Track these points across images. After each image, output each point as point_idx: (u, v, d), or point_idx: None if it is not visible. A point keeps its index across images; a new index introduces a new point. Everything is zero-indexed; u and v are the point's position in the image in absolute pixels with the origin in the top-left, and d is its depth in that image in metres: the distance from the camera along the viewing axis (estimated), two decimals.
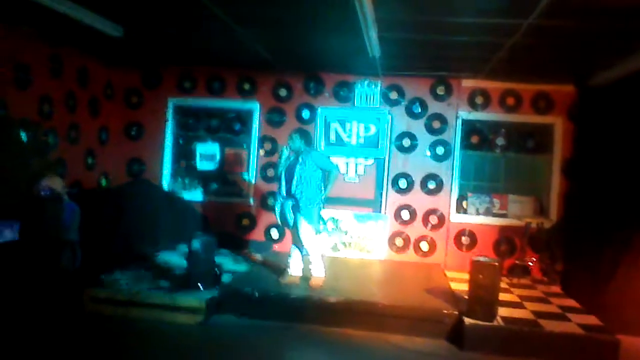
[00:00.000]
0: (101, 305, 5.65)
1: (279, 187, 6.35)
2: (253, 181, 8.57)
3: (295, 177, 6.15)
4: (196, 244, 5.82)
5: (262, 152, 8.54)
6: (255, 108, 8.56)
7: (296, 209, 6.18)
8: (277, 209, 6.42)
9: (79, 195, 6.67)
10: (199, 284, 5.78)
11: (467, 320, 5.43)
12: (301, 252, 6.43)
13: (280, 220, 6.50)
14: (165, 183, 8.74)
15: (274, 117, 8.53)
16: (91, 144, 8.02)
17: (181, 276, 6.11)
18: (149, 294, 5.70)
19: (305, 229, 6.18)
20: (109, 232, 6.54)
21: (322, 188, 6.30)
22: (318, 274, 6.34)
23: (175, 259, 7.19)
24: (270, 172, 8.43)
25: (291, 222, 6.32)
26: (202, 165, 8.76)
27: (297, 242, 6.39)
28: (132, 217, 7.00)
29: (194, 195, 8.66)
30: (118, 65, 8.44)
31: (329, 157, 6.67)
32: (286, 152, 6.28)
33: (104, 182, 8.29)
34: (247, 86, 8.57)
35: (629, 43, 5.67)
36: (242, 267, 7.11)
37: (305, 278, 6.40)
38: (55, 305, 5.20)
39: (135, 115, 8.78)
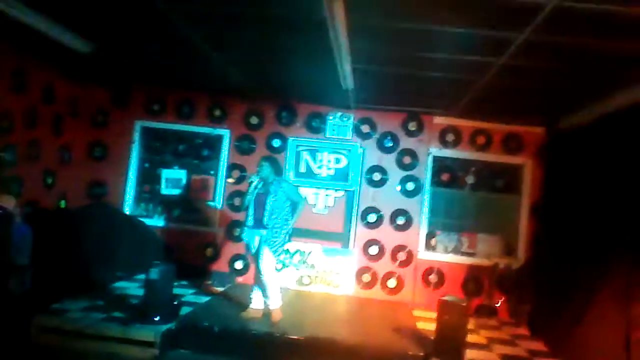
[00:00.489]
0: (50, 336, 5.27)
1: (247, 217, 6.14)
2: (219, 209, 8.34)
3: (266, 207, 5.95)
4: (154, 273, 5.53)
5: (231, 180, 8.33)
6: (225, 135, 8.39)
7: (262, 239, 5.97)
8: (244, 239, 6.19)
9: (33, 216, 6.36)
10: (155, 316, 5.46)
11: None
12: (258, 282, 6.18)
13: (248, 252, 6.28)
14: (127, 207, 8.43)
15: (244, 145, 8.37)
16: (52, 163, 7.68)
17: (137, 307, 5.80)
18: (102, 325, 5.37)
19: (267, 259, 5.97)
20: (64, 256, 6.20)
21: (289, 219, 6.13)
22: (275, 306, 6.10)
23: (132, 288, 6.88)
24: (237, 201, 8.20)
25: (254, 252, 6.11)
26: (168, 190, 8.49)
27: (257, 273, 6.16)
28: (90, 241, 6.69)
29: (157, 221, 8.38)
30: (86, 82, 8.19)
31: (297, 188, 6.51)
32: (255, 180, 6.09)
33: (62, 203, 7.93)
34: (217, 112, 8.42)
35: (599, 87, 5.75)
36: (203, 299, 6.82)
37: (268, 313, 6.14)
38: (0, 332, 4.84)
39: (100, 135, 8.51)
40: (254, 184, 6.08)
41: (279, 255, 6.08)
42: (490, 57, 5.08)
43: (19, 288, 5.30)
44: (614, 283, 6.07)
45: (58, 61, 7.11)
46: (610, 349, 5.89)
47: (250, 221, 6.08)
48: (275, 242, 5.95)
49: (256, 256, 6.08)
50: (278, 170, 6.33)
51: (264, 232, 5.97)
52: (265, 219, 5.95)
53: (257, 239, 6.06)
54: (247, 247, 6.23)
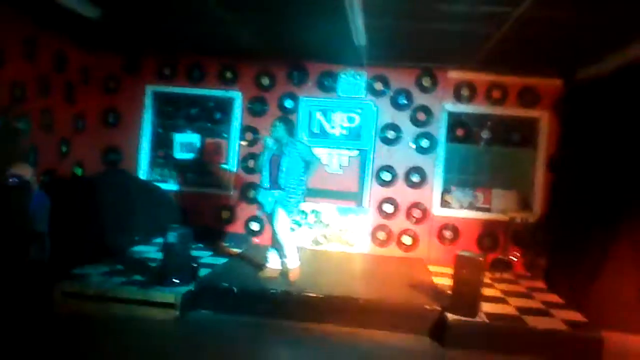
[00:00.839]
0: (72, 300, 5.38)
1: (262, 178, 6.15)
2: (233, 172, 8.36)
3: (281, 169, 5.94)
4: (172, 236, 5.59)
5: (243, 142, 8.32)
6: (236, 97, 8.35)
7: (277, 199, 5.99)
8: (260, 200, 6.22)
9: (50, 184, 6.43)
10: (175, 279, 5.56)
11: (450, 316, 5.31)
12: (275, 243, 6.23)
13: (263, 211, 6.31)
14: (142, 173, 8.49)
15: (256, 107, 8.32)
16: (66, 131, 7.73)
17: (156, 270, 5.90)
18: (122, 288, 5.48)
19: (281, 219, 6.00)
20: (82, 223, 6.29)
21: (304, 180, 6.13)
22: (293, 265, 6.16)
23: (150, 252, 7.00)
24: (252, 163, 8.22)
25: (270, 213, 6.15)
26: (181, 155, 8.53)
27: (273, 234, 6.21)
28: (107, 208, 6.77)
29: (172, 185, 8.44)
30: (96, 49, 8.15)
31: (311, 149, 6.49)
32: (269, 142, 6.07)
33: (78, 171, 8.01)
34: (228, 75, 8.35)
35: (617, 38, 5.61)
36: (220, 261, 6.91)
37: (285, 272, 6.22)
38: (23, 299, 4.95)
39: (113, 102, 8.51)
40: (268, 145, 6.06)
41: (293, 215, 6.09)
42: (507, 7, 4.94)
43: (39, 255, 5.38)
44: (630, 236, 6.04)
45: (68, 29, 7.06)
46: (625, 301, 5.92)
47: (265, 182, 6.09)
48: (290, 202, 5.97)
49: (271, 217, 6.11)
50: (292, 130, 6.28)
51: (278, 192, 5.99)
52: (281, 180, 5.96)
53: (271, 200, 6.08)
54: (263, 208, 6.25)
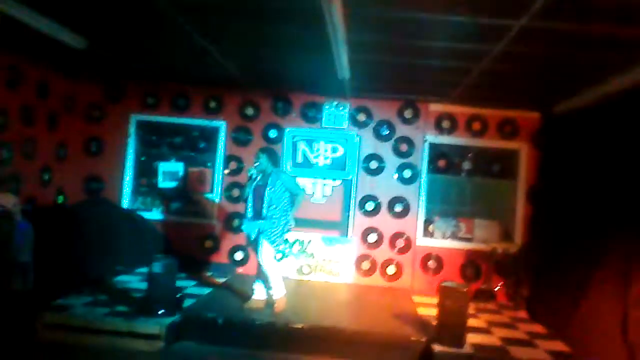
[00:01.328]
0: (55, 332, 5.30)
1: (246, 208, 6.16)
2: (217, 201, 8.35)
3: (264, 199, 5.97)
4: (157, 266, 5.55)
5: (226, 171, 8.34)
6: (221, 126, 8.39)
7: (260, 229, 6.00)
8: (245, 230, 6.22)
9: (32, 213, 6.33)
10: (159, 309, 5.49)
11: (436, 347, 5.33)
12: (259, 273, 6.22)
13: (248, 243, 6.31)
14: (125, 202, 8.42)
15: (240, 136, 8.37)
16: (48, 159, 7.67)
17: (140, 300, 5.83)
18: (106, 319, 5.40)
19: (265, 250, 6.00)
20: (64, 253, 6.19)
21: (289, 210, 6.15)
22: (278, 295, 6.15)
23: (133, 281, 6.91)
24: (235, 192, 8.25)
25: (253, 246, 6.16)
26: (165, 183, 8.49)
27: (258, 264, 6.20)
28: (89, 237, 6.69)
29: (155, 215, 8.38)
30: (80, 78, 8.15)
31: (296, 179, 6.52)
32: (254, 172, 6.10)
33: (60, 199, 7.92)
34: (213, 104, 8.40)
35: (593, 73, 5.79)
36: (205, 291, 6.85)
37: (271, 303, 6.19)
38: (5, 330, 4.85)
39: (96, 130, 8.48)
40: (252, 176, 6.10)
41: (277, 245, 6.09)
42: (487, 44, 5.09)
43: (22, 286, 5.31)
44: (612, 265, 6.15)
45: (52, 58, 7.07)
46: (609, 330, 5.98)
47: (249, 213, 6.11)
48: (273, 232, 5.97)
49: (255, 247, 6.11)
50: (275, 161, 6.33)
51: (262, 223, 6.00)
52: (264, 211, 5.97)
53: (256, 230, 6.08)
54: (248, 239, 6.25)
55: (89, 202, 7.99)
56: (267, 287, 6.16)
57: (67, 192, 8.08)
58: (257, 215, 6.04)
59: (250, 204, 6.11)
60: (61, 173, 7.97)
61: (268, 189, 5.98)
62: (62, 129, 7.95)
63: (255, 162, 6.17)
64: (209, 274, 7.88)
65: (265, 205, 5.97)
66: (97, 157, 8.48)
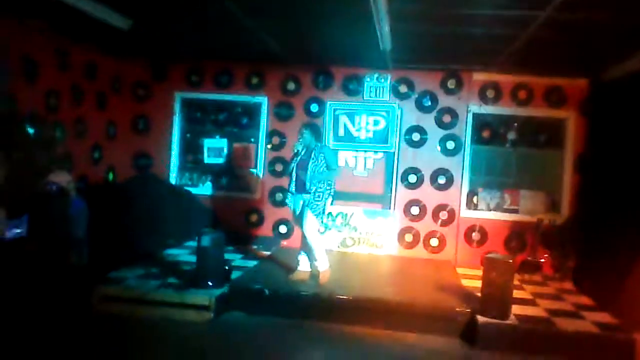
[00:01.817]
0: (109, 304, 5.57)
1: (290, 183, 6.26)
2: (261, 176, 8.49)
3: (308, 172, 6.05)
4: (205, 240, 5.73)
5: (269, 146, 8.45)
6: (263, 102, 8.47)
7: (305, 202, 6.11)
8: (289, 204, 6.36)
9: (85, 190, 6.61)
10: (209, 281, 5.69)
11: (481, 318, 5.35)
12: (304, 246, 6.33)
13: (293, 215, 6.43)
14: (173, 178, 8.67)
15: (282, 111, 8.44)
16: (98, 138, 7.94)
17: (190, 273, 6.05)
18: (158, 291, 5.63)
19: (310, 223, 6.11)
20: (116, 228, 6.46)
21: (331, 183, 6.22)
22: (323, 268, 6.27)
23: (182, 255, 7.15)
24: (279, 167, 8.37)
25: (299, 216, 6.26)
26: (210, 159, 8.68)
27: (303, 237, 6.31)
28: (140, 212, 6.95)
29: (202, 190, 8.59)
30: (125, 58, 8.36)
31: (336, 156, 6.51)
32: (299, 147, 6.18)
33: (110, 176, 8.22)
34: (255, 80, 8.48)
35: None
36: (251, 263, 7.03)
37: (315, 274, 6.31)
38: (63, 303, 5.12)
39: (143, 109, 8.71)
40: (297, 151, 6.17)
41: (321, 218, 6.20)
42: (532, 10, 4.96)
43: (78, 260, 5.57)
44: None
45: (98, 39, 7.25)
46: None
47: (293, 187, 6.21)
48: (317, 205, 6.07)
49: (300, 220, 6.22)
50: (319, 135, 6.40)
51: (306, 196, 6.09)
52: (307, 184, 6.06)
53: (301, 204, 6.19)
54: (293, 212, 6.37)
55: (138, 179, 8.26)
56: (312, 259, 6.28)
57: (117, 170, 8.38)
58: (301, 188, 6.14)
59: (293, 178, 6.21)
60: (111, 151, 8.25)
61: (311, 162, 6.06)
62: (110, 108, 8.20)
63: (299, 137, 6.24)
64: (255, 247, 8.07)
65: (308, 178, 6.06)
66: (145, 134, 8.72)
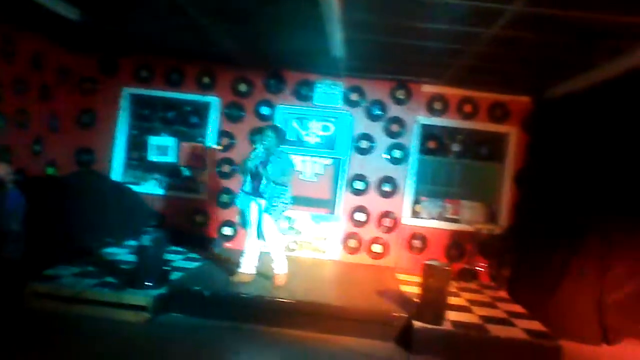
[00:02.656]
0: (43, 301, 5.37)
1: (244, 183, 6.21)
2: (208, 176, 8.42)
3: (265, 176, 6.02)
4: (146, 239, 5.64)
5: (219, 147, 8.40)
6: (213, 102, 8.41)
7: (262, 206, 6.08)
8: (239, 205, 6.28)
9: (23, 183, 6.39)
10: (147, 281, 5.60)
11: (416, 323, 5.47)
12: (251, 248, 6.32)
13: (241, 217, 6.37)
14: (116, 174, 8.48)
15: (233, 112, 8.40)
16: (40, 130, 7.69)
17: (129, 272, 5.93)
18: (95, 290, 5.49)
19: (269, 226, 6.10)
20: (54, 223, 6.27)
21: (287, 187, 6.22)
22: (281, 271, 6.28)
23: (122, 254, 7.00)
24: (226, 168, 8.33)
25: (248, 220, 6.22)
26: (156, 157, 8.54)
27: (256, 240, 6.27)
28: (79, 208, 6.75)
29: (146, 188, 8.45)
30: (74, 50, 8.14)
31: (291, 165, 6.47)
32: (260, 148, 6.06)
33: (50, 170, 7.97)
34: (206, 79, 8.41)
35: (584, 59, 5.86)
36: (192, 264, 6.96)
37: (262, 276, 6.33)
38: None
39: (89, 103, 8.49)
40: (257, 151, 6.10)
41: (279, 221, 6.22)
42: (481, 27, 5.15)
43: (14, 254, 5.39)
44: (591, 250, 6.32)
45: (46, 29, 7.05)
46: (585, 312, 6.18)
47: (247, 187, 6.16)
48: (275, 209, 6.05)
49: (257, 224, 6.17)
50: (282, 139, 6.34)
51: (262, 200, 6.07)
52: (262, 187, 6.05)
53: (253, 206, 6.16)
54: (241, 213, 6.31)
55: (80, 174, 8.03)
56: (268, 259, 6.29)
57: (58, 164, 8.12)
58: (255, 191, 6.11)
59: (249, 179, 6.16)
60: (53, 144, 8.00)
61: (270, 166, 6.01)
62: (55, 100, 7.95)
63: (262, 138, 6.14)
64: (196, 247, 7.98)
65: (265, 182, 6.03)
66: (89, 129, 8.50)
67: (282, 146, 6.35)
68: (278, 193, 6.07)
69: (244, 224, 6.36)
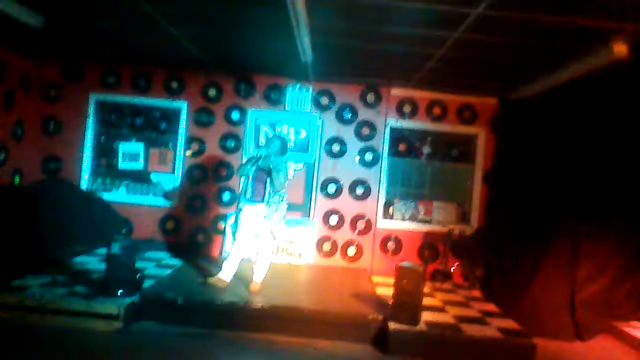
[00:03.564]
0: (11, 312, 5.25)
1: (245, 189, 6.21)
2: (178, 183, 8.32)
3: (267, 184, 6.07)
4: (116, 247, 5.54)
5: (188, 152, 8.31)
6: (182, 107, 8.32)
7: (263, 215, 6.10)
8: (243, 210, 6.22)
9: None
10: (118, 290, 5.49)
11: (392, 325, 5.49)
12: (234, 255, 6.28)
13: (236, 223, 6.31)
14: (84, 182, 8.31)
15: (202, 118, 8.33)
16: (4, 139, 7.49)
17: (99, 281, 5.80)
18: (63, 300, 5.36)
19: (267, 234, 6.16)
20: (21, 233, 6.11)
21: (285, 195, 6.27)
22: (259, 279, 6.28)
23: (93, 262, 6.86)
24: (197, 174, 8.24)
25: (239, 225, 6.21)
26: (125, 164, 8.40)
27: (243, 247, 6.26)
28: (47, 217, 6.60)
29: (115, 196, 8.29)
30: (37, 56, 7.96)
31: (287, 174, 6.46)
32: (262, 153, 6.14)
33: (16, 179, 7.76)
34: (174, 85, 8.32)
35: (548, 61, 5.99)
36: (164, 272, 6.85)
37: (238, 282, 6.29)
38: None
39: (54, 110, 8.31)
40: (257, 157, 6.11)
41: (275, 228, 6.22)
42: (446, 31, 5.21)
43: None
44: (561, 248, 6.45)
45: (8, 35, 6.86)
46: (557, 309, 6.31)
47: (248, 193, 6.17)
48: (273, 217, 6.11)
49: (251, 230, 6.19)
50: (285, 151, 6.37)
51: (263, 207, 6.10)
52: (266, 196, 6.09)
53: (250, 211, 6.15)
54: (241, 217, 6.22)
55: (47, 183, 7.86)
56: (250, 266, 6.33)
57: (24, 172, 7.93)
58: (256, 197, 6.13)
59: (250, 185, 6.16)
60: (18, 153, 7.81)
61: (273, 175, 6.04)
62: (19, 108, 7.76)
63: (267, 145, 6.23)
64: (168, 255, 7.87)
65: (266, 190, 6.09)
66: (56, 136, 8.32)
67: (284, 155, 6.40)
68: (277, 200, 6.12)
69: (235, 229, 6.33)
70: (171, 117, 8.41)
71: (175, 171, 8.34)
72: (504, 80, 7.26)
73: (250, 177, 6.17)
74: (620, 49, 4.99)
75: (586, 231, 6.43)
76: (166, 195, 8.33)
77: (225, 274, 6.27)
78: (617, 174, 6.42)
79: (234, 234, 6.40)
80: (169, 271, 6.92)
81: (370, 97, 8.28)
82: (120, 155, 8.39)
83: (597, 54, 5.33)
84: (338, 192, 8.31)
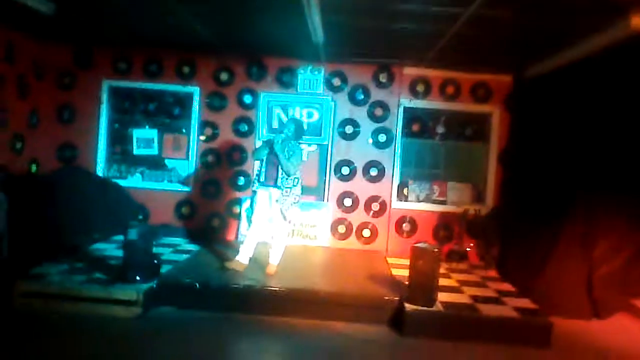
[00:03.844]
0: (32, 300, 5.33)
1: (259, 172, 6.23)
2: (193, 168, 8.35)
3: (283, 167, 6.05)
4: (133, 233, 5.59)
5: (202, 137, 8.33)
6: (195, 92, 8.31)
7: (277, 199, 6.12)
8: (258, 194, 6.25)
9: (5, 182, 6.28)
10: (136, 276, 5.56)
11: (408, 306, 5.50)
12: (251, 238, 6.32)
13: (251, 207, 6.35)
14: (100, 169, 8.37)
15: (215, 102, 8.32)
16: (20, 128, 7.55)
17: (117, 268, 5.88)
18: (83, 286, 5.44)
19: (280, 218, 6.18)
20: (39, 221, 6.18)
21: (299, 180, 6.27)
22: (275, 262, 6.31)
23: (110, 249, 6.94)
24: (211, 158, 8.27)
25: (255, 209, 6.24)
26: (139, 150, 8.44)
27: (259, 230, 6.30)
28: (64, 205, 6.66)
29: (131, 182, 8.35)
30: (49, 43, 7.97)
31: (301, 159, 6.47)
32: (279, 138, 6.11)
33: (33, 168, 7.85)
34: (186, 69, 8.30)
35: (562, 37, 5.88)
36: (182, 257, 6.91)
37: (254, 266, 6.32)
38: None
39: (68, 97, 8.34)
40: (272, 141, 6.11)
41: (289, 212, 6.23)
42: (459, 7, 5.12)
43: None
44: (577, 226, 6.39)
45: (20, 22, 6.88)
46: (574, 287, 6.27)
47: (262, 177, 6.19)
48: (287, 201, 6.12)
49: (266, 213, 6.23)
50: (301, 134, 6.40)
51: (276, 191, 6.11)
52: (280, 180, 6.10)
53: (264, 195, 6.19)
54: (256, 202, 6.27)
55: (63, 171, 7.93)
56: (267, 249, 6.36)
57: (40, 161, 8.01)
58: (270, 181, 6.15)
59: (264, 169, 6.18)
60: (34, 141, 7.87)
61: (288, 157, 6.05)
62: (33, 96, 7.80)
63: (283, 130, 6.27)
64: (185, 240, 7.93)
65: (281, 175, 6.09)
66: (70, 124, 8.36)
67: (299, 139, 6.41)
68: (290, 184, 6.12)
69: (250, 213, 6.36)
70: (184, 102, 8.42)
71: (190, 157, 8.36)
72: (518, 57, 7.15)
73: (264, 160, 6.19)
74: (639, 21, 4.88)
75: (602, 208, 6.36)
76: (183, 181, 8.36)
77: (243, 257, 6.32)
78: (628, 152, 6.31)
79: (249, 217, 6.44)
80: (185, 256, 6.98)
81: (382, 77, 8.20)
82: (134, 141, 8.43)
83: (615, 28, 5.21)
84: (352, 174, 8.28)
